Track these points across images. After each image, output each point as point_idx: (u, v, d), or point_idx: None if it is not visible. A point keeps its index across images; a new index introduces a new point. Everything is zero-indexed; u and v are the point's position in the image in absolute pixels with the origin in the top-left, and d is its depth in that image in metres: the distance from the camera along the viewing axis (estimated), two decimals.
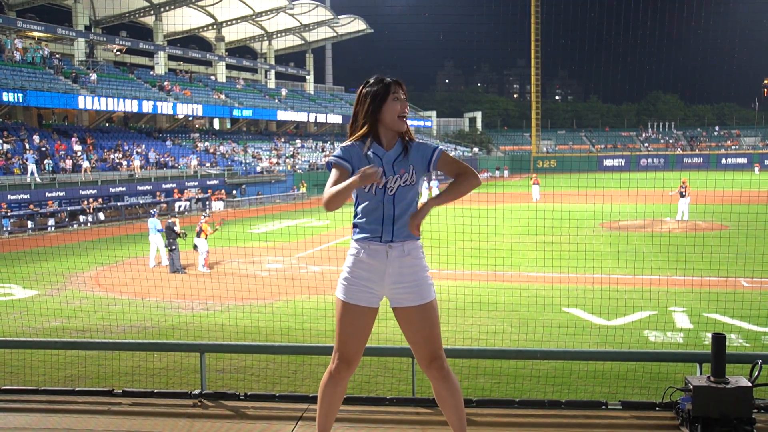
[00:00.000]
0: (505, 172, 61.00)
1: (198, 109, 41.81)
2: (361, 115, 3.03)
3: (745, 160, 63.89)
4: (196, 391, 4.43)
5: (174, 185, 32.86)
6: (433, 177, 36.58)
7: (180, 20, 45.18)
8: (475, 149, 68.77)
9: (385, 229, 3.01)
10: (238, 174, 37.97)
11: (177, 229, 15.55)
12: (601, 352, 6.13)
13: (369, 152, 3.01)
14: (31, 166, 27.71)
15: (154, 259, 16.55)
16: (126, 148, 35.38)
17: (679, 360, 5.22)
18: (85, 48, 40.31)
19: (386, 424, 3.97)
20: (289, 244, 18.68)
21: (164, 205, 30.64)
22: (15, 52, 34.26)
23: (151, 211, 18.13)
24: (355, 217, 3.07)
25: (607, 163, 64.96)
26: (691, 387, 3.72)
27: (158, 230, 16.17)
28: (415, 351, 3.14)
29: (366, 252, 3.02)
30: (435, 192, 34.15)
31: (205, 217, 16.55)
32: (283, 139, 50.23)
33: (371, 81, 3.06)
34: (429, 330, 3.09)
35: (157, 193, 31.58)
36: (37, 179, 27.71)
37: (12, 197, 25.62)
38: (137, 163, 33.17)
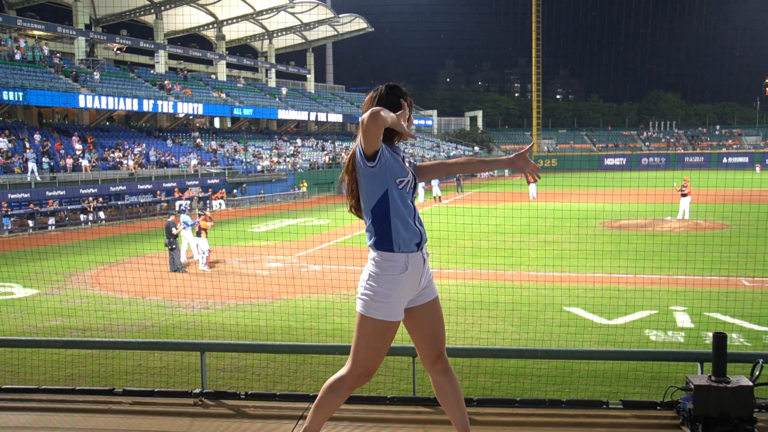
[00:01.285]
0: (506, 171, 61.02)
1: (198, 108, 41.79)
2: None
3: (746, 159, 63.88)
4: (197, 390, 4.42)
5: (174, 184, 32.83)
6: None
7: (180, 19, 45.12)
8: (476, 148, 68.75)
9: (422, 231, 2.99)
10: (239, 173, 37.98)
11: (174, 230, 15.56)
12: (602, 351, 6.13)
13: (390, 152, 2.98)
14: (32, 165, 27.73)
15: (185, 254, 16.68)
16: (126, 147, 35.40)
17: (680, 359, 5.22)
18: (85, 47, 40.30)
19: (387, 423, 3.96)
20: (290, 243, 18.68)
21: (165, 204, 30.67)
22: (16, 50, 34.26)
23: (182, 207, 18.01)
24: (385, 230, 2.91)
25: (608, 162, 64.93)
26: (692, 386, 3.71)
27: (189, 225, 16.26)
28: (425, 347, 3.11)
29: (411, 265, 2.93)
30: (435, 190, 34.13)
31: (201, 215, 16.55)
32: (284, 138, 50.24)
33: (402, 89, 2.99)
34: (439, 322, 3.11)
35: (158, 192, 31.58)
36: (38, 178, 27.71)
37: (12, 196, 25.62)
38: (131, 162, 33.19)
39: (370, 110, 2.69)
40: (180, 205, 18.83)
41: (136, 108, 37.31)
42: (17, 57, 33.95)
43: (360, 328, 2.98)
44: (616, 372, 7.31)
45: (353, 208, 3.07)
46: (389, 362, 7.58)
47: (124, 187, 30.57)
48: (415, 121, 63.67)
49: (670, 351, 7.58)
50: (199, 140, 41.57)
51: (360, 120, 2.73)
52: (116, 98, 35.61)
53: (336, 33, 60.04)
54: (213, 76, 51.11)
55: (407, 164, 3.01)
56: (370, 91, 3.02)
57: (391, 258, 2.90)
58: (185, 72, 48.26)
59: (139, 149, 35.60)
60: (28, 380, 6.86)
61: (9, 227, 24.40)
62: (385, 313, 2.92)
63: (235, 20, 49.58)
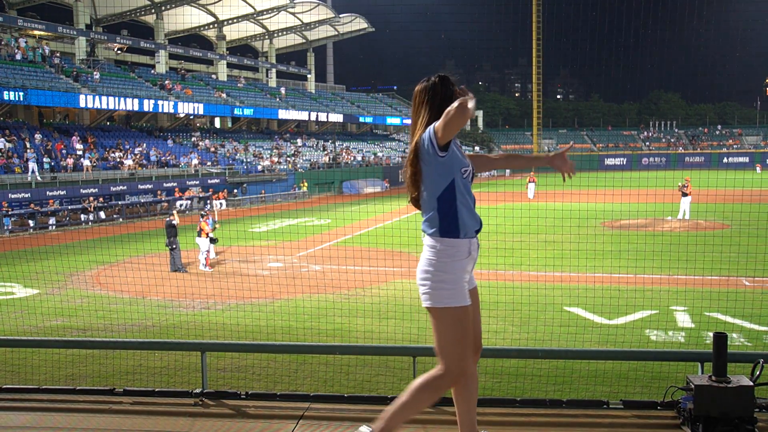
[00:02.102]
0: (507, 171, 60.99)
1: (199, 108, 41.79)
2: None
3: (746, 159, 63.88)
4: (198, 390, 4.42)
5: (175, 184, 32.85)
6: None
7: (181, 19, 45.13)
8: (477, 148, 68.79)
9: (480, 219, 3.04)
10: (239, 173, 37.98)
11: (175, 222, 15.57)
12: (603, 351, 6.12)
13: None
14: (32, 165, 27.74)
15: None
16: (127, 146, 35.42)
17: (680, 359, 5.21)
18: (86, 47, 40.29)
19: None
20: (290, 243, 18.68)
21: (165, 204, 30.66)
22: (16, 50, 34.26)
23: (202, 213, 17.93)
24: (452, 218, 2.93)
25: (609, 162, 64.94)
26: (693, 386, 3.71)
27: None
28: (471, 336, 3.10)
29: (473, 250, 2.99)
30: None
31: (203, 216, 16.56)
32: (284, 138, 50.23)
33: (451, 79, 3.02)
34: (479, 311, 3.18)
35: (158, 192, 31.58)
36: (38, 178, 27.73)
37: (13, 196, 25.64)
38: (132, 162, 33.19)
39: (458, 101, 2.73)
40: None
41: (136, 108, 37.33)
42: (18, 57, 33.96)
43: (440, 323, 2.93)
44: (617, 372, 7.31)
45: (414, 199, 3.06)
46: (389, 362, 7.58)
47: (125, 187, 30.57)
48: None
49: (671, 351, 7.57)
50: (197, 140, 41.55)
51: (447, 110, 2.75)
52: (117, 98, 35.61)
53: (336, 33, 60.04)
54: (213, 76, 51.11)
55: (465, 153, 3.07)
56: (422, 82, 3.03)
57: (457, 244, 2.93)
58: (183, 71, 48.21)
59: (140, 149, 35.60)
60: (29, 380, 6.87)
61: (9, 227, 24.40)
62: (459, 299, 2.93)
63: (235, 20, 49.57)
